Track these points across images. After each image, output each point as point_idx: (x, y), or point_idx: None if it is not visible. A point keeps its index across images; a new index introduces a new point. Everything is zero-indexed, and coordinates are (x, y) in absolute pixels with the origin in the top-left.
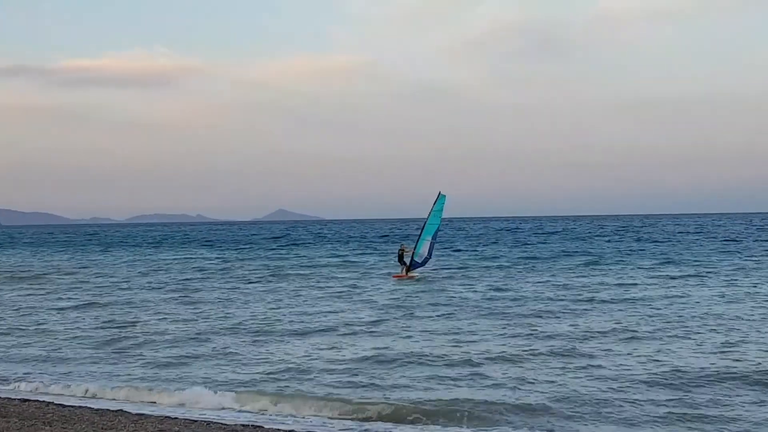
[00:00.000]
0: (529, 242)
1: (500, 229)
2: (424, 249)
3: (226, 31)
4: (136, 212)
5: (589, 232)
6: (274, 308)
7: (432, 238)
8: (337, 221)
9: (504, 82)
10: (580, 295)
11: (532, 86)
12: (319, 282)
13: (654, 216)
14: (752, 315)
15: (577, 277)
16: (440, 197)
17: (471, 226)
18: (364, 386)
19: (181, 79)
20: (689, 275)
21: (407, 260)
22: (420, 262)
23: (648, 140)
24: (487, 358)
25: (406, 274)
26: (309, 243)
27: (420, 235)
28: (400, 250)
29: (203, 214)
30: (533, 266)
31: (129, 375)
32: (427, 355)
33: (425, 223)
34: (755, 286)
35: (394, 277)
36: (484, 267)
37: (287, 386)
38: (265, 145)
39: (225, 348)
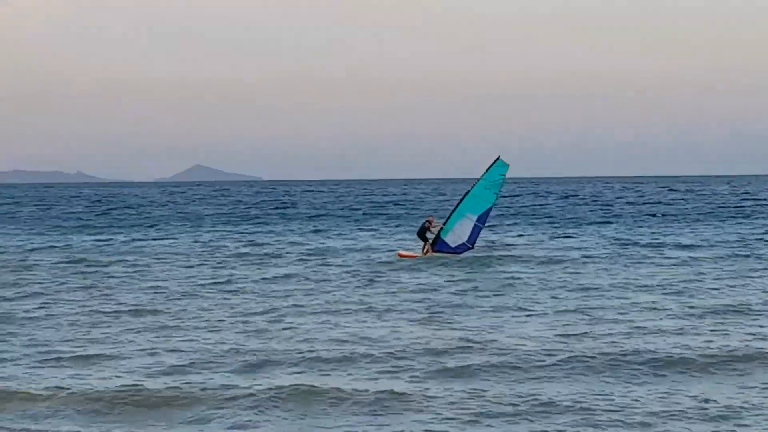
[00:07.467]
0: None
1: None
2: (460, 229)
3: None
4: None
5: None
6: None
7: (478, 220)
8: (282, 182)
9: None
10: None
11: None
12: None
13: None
14: None
15: None
16: (498, 164)
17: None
18: None
19: None
20: None
21: (431, 236)
22: (452, 246)
23: None
24: None
25: (425, 253)
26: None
27: (456, 208)
28: (426, 221)
29: (85, 171)
30: None
31: None
32: None
33: (467, 193)
34: None
35: (400, 255)
36: None
37: None
38: (177, 68)
39: None
